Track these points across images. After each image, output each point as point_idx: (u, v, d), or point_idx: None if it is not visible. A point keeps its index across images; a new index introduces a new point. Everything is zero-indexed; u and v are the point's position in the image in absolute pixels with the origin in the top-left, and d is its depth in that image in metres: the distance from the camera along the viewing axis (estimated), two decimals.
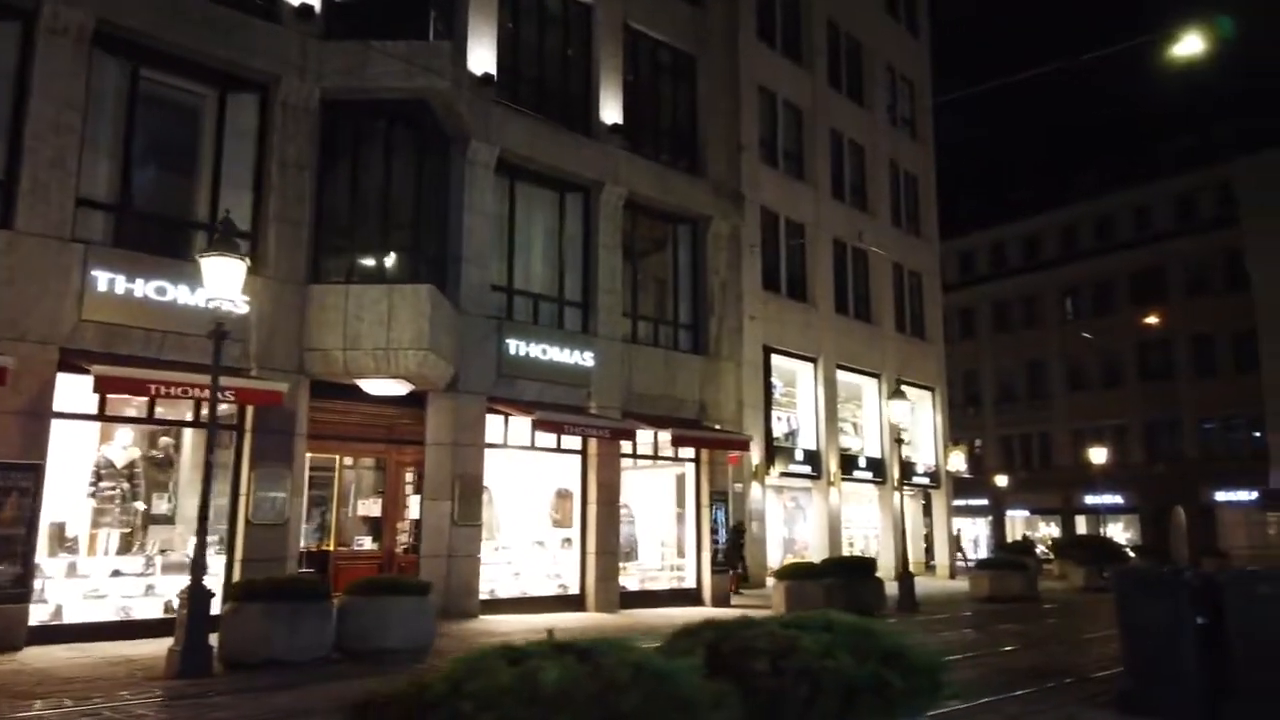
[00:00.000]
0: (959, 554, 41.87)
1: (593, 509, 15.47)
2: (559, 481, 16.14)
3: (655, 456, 17.74)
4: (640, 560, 17.58)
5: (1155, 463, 46.08)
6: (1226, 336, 43.61)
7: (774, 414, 25.11)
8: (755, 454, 23.42)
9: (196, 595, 8.48)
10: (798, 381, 26.49)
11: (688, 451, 17.47)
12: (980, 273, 54.97)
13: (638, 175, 16.75)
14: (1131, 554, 42.91)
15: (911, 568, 31.03)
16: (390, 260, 13.26)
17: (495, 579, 14.86)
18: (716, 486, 17.51)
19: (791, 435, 25.85)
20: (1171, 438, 45.93)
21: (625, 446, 16.36)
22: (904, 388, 30.46)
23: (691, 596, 17.03)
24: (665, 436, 15.91)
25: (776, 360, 25.17)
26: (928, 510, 32.18)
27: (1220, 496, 43.53)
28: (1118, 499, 47.67)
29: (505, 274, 15.15)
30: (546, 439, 15.07)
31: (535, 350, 14.77)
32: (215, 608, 9.00)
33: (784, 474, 24.73)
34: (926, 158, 32.67)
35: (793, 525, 27.30)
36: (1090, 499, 48.79)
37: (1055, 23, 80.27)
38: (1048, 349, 50.65)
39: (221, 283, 8.91)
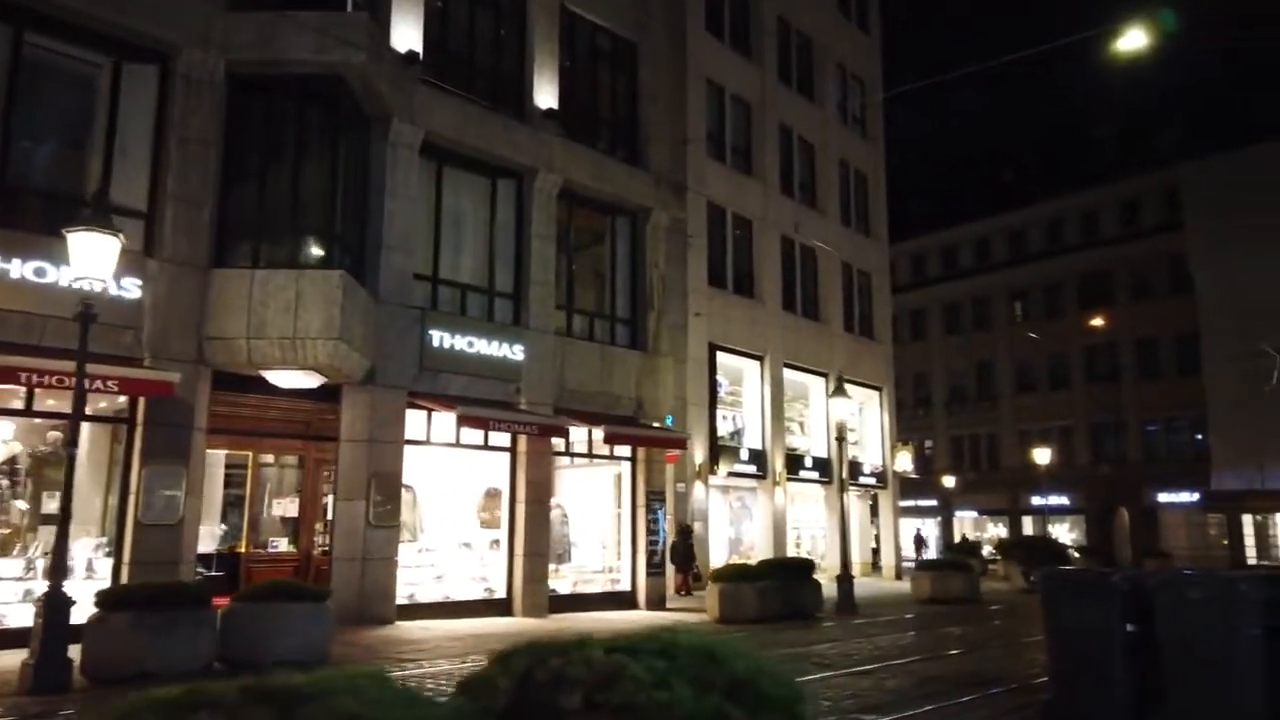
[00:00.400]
0: (924, 549, 41.96)
1: (521, 509, 14.82)
2: (488, 480, 15.47)
3: (591, 455, 17.15)
4: (575, 562, 16.98)
5: (1100, 464, 46.61)
6: (1170, 339, 44.22)
7: (719, 412, 24.68)
8: (699, 453, 22.96)
9: (53, 603, 7.69)
10: (744, 380, 26.09)
11: (625, 450, 16.93)
12: (932, 274, 55.29)
13: (573, 163, 16.14)
14: (1076, 554, 43.36)
15: (857, 569, 31.12)
16: (302, 245, 12.48)
17: (417, 583, 14.15)
18: (654, 486, 16.96)
19: (737, 434, 25.43)
20: (1116, 440, 46.49)
21: (558, 444, 15.74)
22: (852, 387, 30.41)
23: (626, 599, 16.47)
24: (604, 434, 15.28)
25: (722, 358, 24.73)
26: (876, 511, 32.04)
27: (1163, 498, 44.13)
28: (1063, 500, 48.13)
29: (431, 262, 14.44)
30: (473, 436, 14.40)
31: (461, 342, 14.08)
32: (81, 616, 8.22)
33: (729, 474, 24.30)
34: (877, 157, 32.51)
35: (739, 526, 26.90)
36: (1037, 500, 49.14)
37: (1011, 24, 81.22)
38: (997, 351, 51.05)
39: (91, 260, 8.13)
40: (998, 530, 51.10)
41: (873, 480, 30.01)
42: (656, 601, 16.48)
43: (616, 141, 17.59)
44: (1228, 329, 40.29)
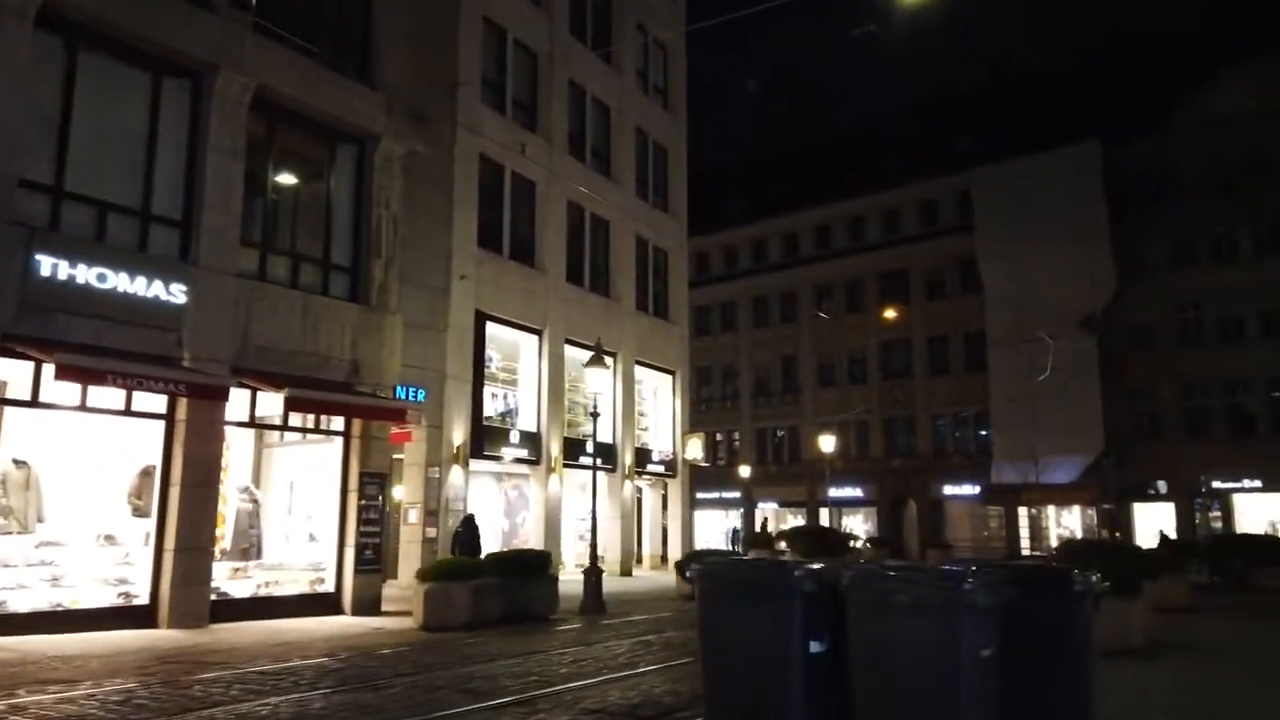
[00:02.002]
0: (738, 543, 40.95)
1: (176, 492, 11.69)
2: (147, 457, 12.23)
3: (306, 430, 14.23)
4: (273, 558, 13.98)
5: (893, 457, 47.61)
6: (959, 337, 45.62)
7: (489, 390, 22.18)
8: (458, 434, 20.37)
9: None
10: (520, 355, 23.68)
11: (346, 424, 14.08)
12: (743, 267, 55.06)
13: (274, 66, 13.11)
14: (866, 544, 43.95)
15: (647, 562, 29.45)
16: None
17: (20, 586, 10.79)
18: (372, 466, 14.19)
19: (509, 415, 22.99)
20: (908, 434, 47.61)
21: (238, 413, 12.72)
22: (644, 370, 28.73)
23: (330, 603, 13.62)
24: (285, 399, 12.34)
25: (494, 329, 22.24)
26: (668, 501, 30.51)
27: (948, 490, 45.51)
28: (857, 492, 48.95)
29: (53, 169, 11.06)
30: (109, 397, 11.17)
31: (89, 275, 10.79)
32: None
33: (494, 457, 21.84)
34: (678, 131, 30.95)
35: (514, 516, 24.47)
36: (833, 491, 49.91)
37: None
38: (801, 344, 51.32)
39: None
40: (797, 521, 51.46)
41: (661, 468, 28.39)
42: (369, 605, 13.74)
43: (342, 52, 14.65)
44: (1009, 327, 41.86)
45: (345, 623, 12.68)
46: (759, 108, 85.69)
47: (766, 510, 52.62)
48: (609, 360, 25.99)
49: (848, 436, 49.35)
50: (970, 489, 44.14)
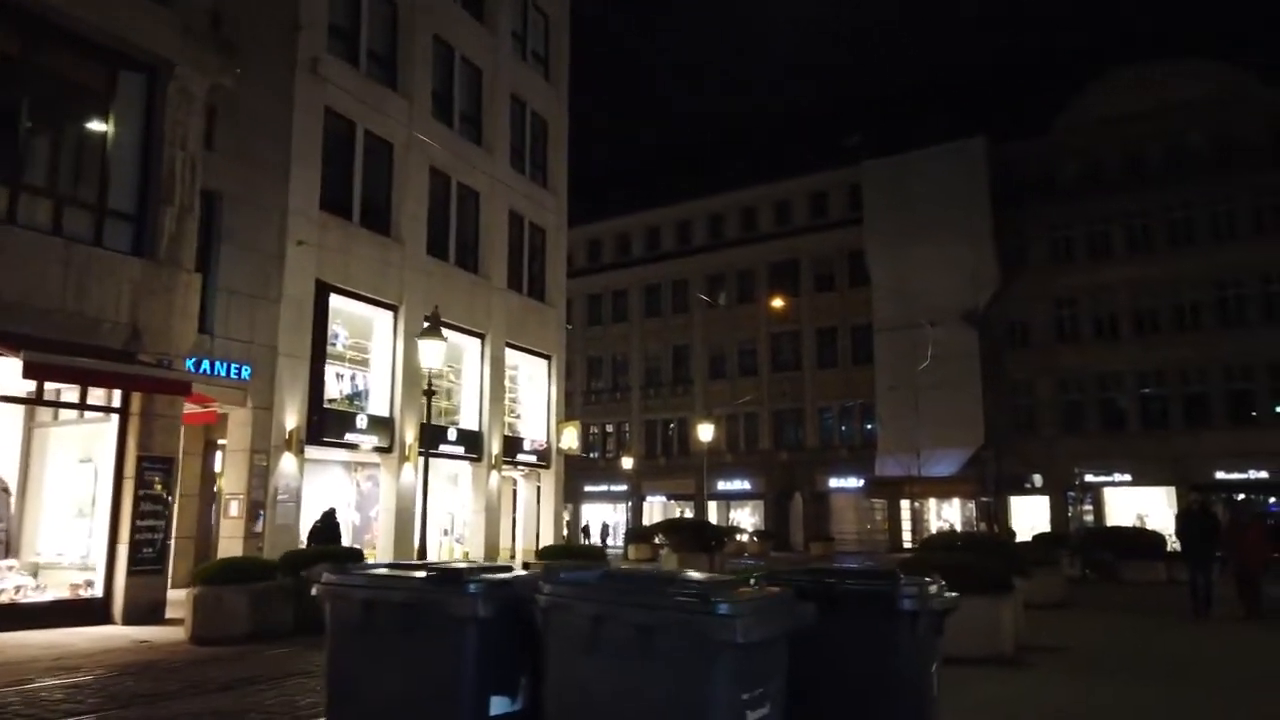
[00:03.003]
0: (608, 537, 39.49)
1: None
2: None
3: (82, 406, 12.00)
4: (29, 557, 11.74)
5: (780, 450, 47.17)
6: (847, 330, 45.46)
7: (334, 369, 20.06)
8: (290, 418, 18.21)
9: None
10: (373, 333, 21.59)
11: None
12: (636, 255, 53.82)
13: None
14: (748, 537, 43.34)
15: (520, 557, 27.69)
16: None
17: None
18: (155, 450, 12.07)
19: (357, 397, 20.89)
20: (796, 426, 47.22)
21: None
22: (518, 355, 26.96)
23: (96, 610, 11.46)
24: (24, 364, 10.12)
25: (340, 303, 20.10)
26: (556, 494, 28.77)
27: (834, 483, 45.32)
28: (745, 485, 48.39)
29: None
30: None
31: None
32: None
33: (338, 444, 19.75)
34: (560, 103, 29.24)
35: (368, 509, 22.40)
36: (722, 485, 49.20)
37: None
38: (693, 335, 50.42)
39: None
40: (686, 515, 50.58)
41: (534, 458, 26.69)
42: (146, 612, 11.62)
43: None
44: (895, 320, 41.83)
45: (104, 635, 10.58)
46: (656, 96, 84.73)
47: (654, 504, 51.57)
48: (475, 341, 24.21)
49: (737, 429, 48.72)
50: (855, 482, 44.04)
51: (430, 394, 14.44)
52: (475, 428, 24.08)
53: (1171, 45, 37.44)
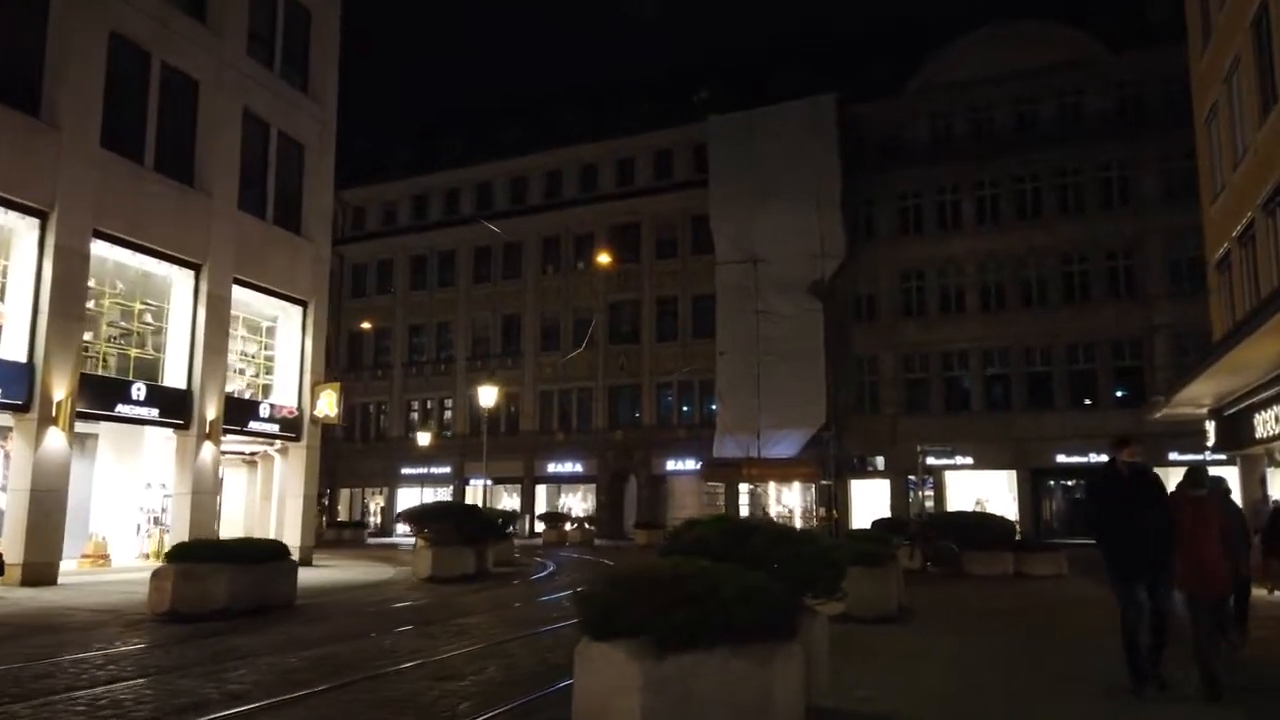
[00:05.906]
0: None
1: None
2: None
3: None
4: None
5: (615, 429, 43.08)
6: (688, 300, 41.76)
7: None
8: None
9: None
10: (11, 250, 15.81)
11: None
12: (465, 212, 48.34)
13: None
14: (574, 524, 39.12)
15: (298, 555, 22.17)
16: None
17: None
18: None
19: None
20: (633, 404, 43.21)
21: None
22: (264, 299, 21.54)
23: None
24: None
25: None
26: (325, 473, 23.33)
27: (671, 465, 41.62)
28: (578, 467, 44.12)
29: None
30: None
31: None
32: None
33: None
34: None
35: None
36: (552, 467, 44.76)
37: None
38: (525, 303, 45.64)
39: None
40: (513, 500, 45.97)
41: (275, 428, 21.30)
42: None
43: None
44: (737, 290, 38.39)
45: None
46: (500, 39, 78.99)
47: (478, 487, 46.57)
48: (188, 275, 18.56)
49: (570, 405, 44.39)
50: (694, 464, 40.39)
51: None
52: (183, 385, 18.55)
53: (1028, 7, 35.18)
